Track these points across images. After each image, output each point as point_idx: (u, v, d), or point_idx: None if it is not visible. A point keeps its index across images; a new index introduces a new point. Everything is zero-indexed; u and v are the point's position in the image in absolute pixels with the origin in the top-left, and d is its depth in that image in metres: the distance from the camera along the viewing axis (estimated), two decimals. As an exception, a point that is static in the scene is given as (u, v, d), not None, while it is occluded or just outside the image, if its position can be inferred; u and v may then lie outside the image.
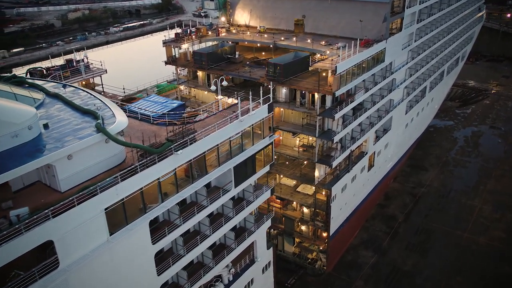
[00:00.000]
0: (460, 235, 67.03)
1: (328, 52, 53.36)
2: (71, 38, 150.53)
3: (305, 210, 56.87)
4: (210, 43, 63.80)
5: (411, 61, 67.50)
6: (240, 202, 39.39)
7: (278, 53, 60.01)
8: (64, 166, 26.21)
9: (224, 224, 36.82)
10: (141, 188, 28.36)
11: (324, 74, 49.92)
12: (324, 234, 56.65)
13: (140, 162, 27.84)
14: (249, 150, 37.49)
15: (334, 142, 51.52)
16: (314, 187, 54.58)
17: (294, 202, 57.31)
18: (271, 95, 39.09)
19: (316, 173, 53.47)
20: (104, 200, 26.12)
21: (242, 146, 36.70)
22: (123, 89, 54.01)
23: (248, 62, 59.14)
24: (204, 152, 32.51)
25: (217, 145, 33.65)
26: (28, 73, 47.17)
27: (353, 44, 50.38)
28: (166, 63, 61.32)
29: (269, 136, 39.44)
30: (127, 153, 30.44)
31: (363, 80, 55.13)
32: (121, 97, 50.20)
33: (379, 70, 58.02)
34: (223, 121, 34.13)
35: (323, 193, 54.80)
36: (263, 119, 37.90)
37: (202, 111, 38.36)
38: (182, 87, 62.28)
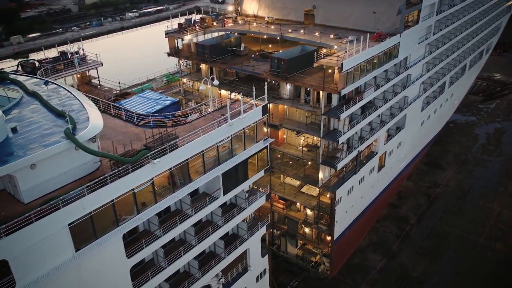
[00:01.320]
0: (476, 240, 63.37)
1: (336, 47, 49.95)
2: (87, 23, 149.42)
3: (309, 212, 54.24)
4: (216, 34, 60.97)
5: (428, 56, 63.34)
6: (232, 209, 37.05)
7: (285, 46, 56.86)
8: (26, 176, 24.26)
9: (212, 233, 34.55)
10: (112, 201, 26.22)
11: (330, 70, 46.70)
12: (328, 238, 54.00)
13: (111, 173, 25.62)
14: (240, 155, 34.98)
15: (340, 143, 48.46)
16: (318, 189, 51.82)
17: (298, 203, 54.71)
18: (266, 96, 36.19)
19: (320, 175, 50.64)
20: (68, 215, 24.11)
21: (232, 151, 34.16)
22: (119, 83, 51.85)
23: (253, 55, 56.22)
24: (186, 160, 30.12)
25: (202, 151, 31.19)
26: (19, 66, 45.45)
27: (364, 38, 46.95)
28: (169, 54, 58.90)
29: (264, 140, 36.77)
30: (103, 160, 28.32)
31: (374, 77, 51.64)
32: (117, 91, 48.16)
33: (392, 66, 54.30)
34: (210, 125, 31.58)
35: (328, 195, 52.02)
36: (256, 121, 35.21)
37: (193, 111, 35.86)
38: (185, 80, 59.87)
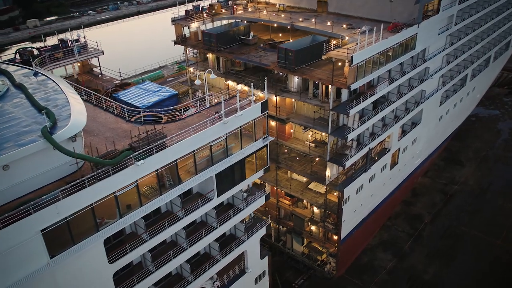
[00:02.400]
0: (492, 243, 60.31)
1: (347, 38, 47.08)
2: (104, 7, 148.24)
3: (316, 210, 52.12)
4: (225, 22, 58.62)
5: (449, 47, 59.76)
6: (228, 209, 35.22)
7: (297, 35, 54.24)
8: (-2, 177, 22.77)
9: (205, 235, 32.81)
10: (91, 205, 24.60)
11: (339, 63, 44.03)
12: (335, 237, 51.89)
13: (89, 176, 23.94)
14: (236, 155, 32.95)
15: (349, 140, 45.97)
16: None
17: (304, 201, 52.63)
18: (265, 91, 33.89)
19: (328, 173, 48.33)
20: (41, 220, 22.58)
21: (227, 151, 32.15)
22: (119, 73, 50.14)
23: (262, 45, 53.77)
24: (175, 161, 28.27)
25: (193, 151, 29.27)
26: (17, 54, 44.12)
27: (379, 29, 44.08)
28: (175, 42, 56.92)
29: (263, 138, 34.62)
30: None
31: (388, 70, 48.72)
32: (117, 81, 46.51)
33: (409, 58, 51.18)
34: (203, 123, 29.57)
35: (335, 194, 49.75)
36: (254, 119, 33.05)
37: (190, 105, 33.86)
38: (191, 69, 57.89)
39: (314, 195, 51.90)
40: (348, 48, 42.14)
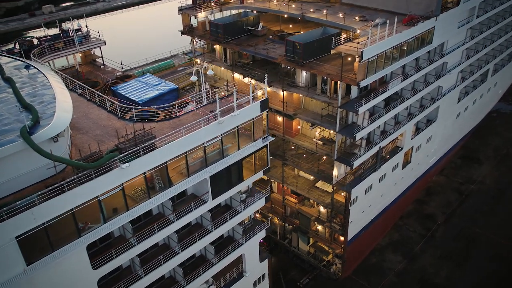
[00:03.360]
0: (508, 246, 57.65)
1: (358, 31, 44.66)
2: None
3: (322, 209, 50.30)
4: (234, 11, 56.53)
5: (470, 41, 56.65)
6: (226, 211, 33.70)
7: (307, 27, 51.95)
8: (-27, 180, 21.60)
9: (199, 239, 31.37)
10: (72, 210, 23.29)
11: (349, 58, 41.75)
12: (342, 238, 50.07)
13: (68, 180, 22.56)
14: (233, 156, 31.26)
15: (357, 139, 43.82)
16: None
17: (311, 199, 50.84)
18: (266, 88, 31.97)
19: (335, 172, 46.35)
20: (15, 227, 21.35)
21: (223, 152, 30.48)
22: (121, 64, 48.74)
23: (270, 36, 51.66)
24: (164, 163, 26.74)
25: (185, 153, 27.69)
26: (16, 43, 43.00)
27: (393, 22, 41.59)
28: (182, 32, 55.17)
29: (263, 138, 32.82)
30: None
31: (402, 66, 46.20)
32: (119, 73, 45.14)
33: (425, 53, 48.49)
34: (196, 123, 27.90)
35: (342, 194, 47.79)
36: (253, 119, 31.23)
37: (182, 104, 32.21)
38: (198, 61, 56.16)
39: (321, 194, 50.06)
40: (358, 43, 39.74)
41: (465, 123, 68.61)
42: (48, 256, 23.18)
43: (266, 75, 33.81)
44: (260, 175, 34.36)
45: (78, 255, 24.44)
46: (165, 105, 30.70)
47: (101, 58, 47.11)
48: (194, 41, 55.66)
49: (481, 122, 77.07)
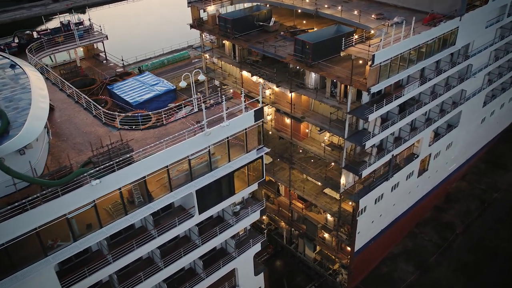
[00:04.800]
0: (531, 263, 54.10)
1: (372, 31, 41.46)
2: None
3: (329, 217, 47.82)
4: (246, 5, 53.91)
5: (499, 41, 52.44)
6: (217, 224, 31.73)
7: (322, 23, 48.99)
8: None
9: (185, 255, 29.55)
10: (35, 229, 21.72)
11: (361, 61, 38.77)
12: (348, 248, 47.57)
13: (30, 198, 20.92)
14: (223, 169, 29.11)
15: (367, 147, 40.98)
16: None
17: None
18: (260, 96, 29.52)
19: (342, 180, 43.72)
20: (-31, 248, 19.94)
21: (211, 164, 28.36)
22: (122, 60, 47.05)
23: (282, 33, 48.90)
24: (142, 178, 24.85)
25: (166, 167, 25.73)
26: (15, 37, 41.79)
27: (411, 21, 38.32)
28: (191, 26, 53.01)
29: (257, 149, 30.52)
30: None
31: (421, 69, 42.88)
32: (120, 69, 43.46)
33: (447, 55, 44.92)
34: (179, 135, 25.84)
35: (350, 203, 45.16)
36: (246, 129, 28.94)
37: (177, 108, 30.15)
38: (208, 56, 53.98)
39: (328, 201, 47.53)
40: (370, 45, 36.67)
41: (491, 128, 64.35)
42: (11, 277, 21.73)
43: (262, 82, 31.28)
44: (254, 187, 32.15)
45: (45, 275, 22.96)
46: (159, 110, 28.56)
47: (104, 53, 45.48)
48: (204, 35, 53.39)
49: (509, 126, 72.29)
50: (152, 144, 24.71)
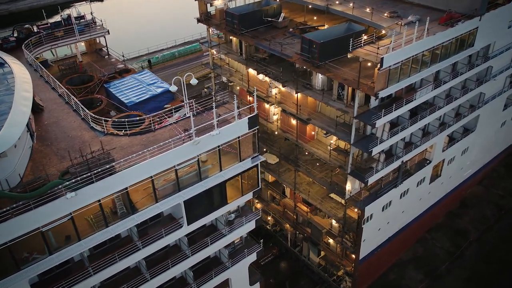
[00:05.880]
0: (548, 276, 51.45)
1: (383, 31, 39.13)
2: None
3: (334, 223, 46.08)
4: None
5: (524, 42, 49.34)
6: (209, 233, 30.40)
7: (334, 19, 46.76)
8: None
9: (173, 266, 28.32)
10: (6, 244, 20.67)
11: (369, 64, 36.61)
12: (353, 256, 45.83)
13: (1, 211, 19.82)
14: (214, 178, 27.63)
15: (374, 153, 38.96)
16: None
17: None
18: (255, 103, 27.81)
19: (348, 186, 41.83)
20: None
21: (201, 174, 26.90)
22: (123, 56, 45.70)
23: (291, 29, 46.87)
24: (123, 190, 23.56)
25: (150, 177, 24.37)
26: (14, 31, 40.86)
27: (425, 22, 36.01)
28: (199, 20, 51.36)
29: (252, 158, 28.91)
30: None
31: (435, 72, 40.47)
32: (121, 66, 42.23)
33: (465, 57, 42.31)
34: (164, 145, 24.40)
35: (356, 210, 43.30)
36: (239, 137, 27.34)
37: (166, 115, 28.67)
38: (214, 51, 52.31)
39: (334, 205, 45.72)
40: (378, 47, 34.45)
41: (511, 132, 61.25)
42: (-21, 292, 20.88)
43: (255, 89, 29.56)
44: (249, 196, 30.62)
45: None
46: (151, 114, 27.22)
47: (106, 48, 44.28)
48: (211, 30, 51.69)
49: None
50: (135, 155, 23.34)
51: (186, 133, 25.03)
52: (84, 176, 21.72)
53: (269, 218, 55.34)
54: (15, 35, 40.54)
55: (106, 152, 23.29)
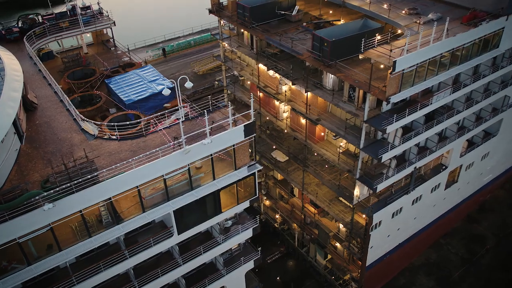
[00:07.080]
0: None
1: (399, 30, 36.71)
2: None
3: (342, 227, 44.49)
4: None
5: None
6: (205, 240, 29.31)
7: (351, 14, 44.42)
8: None
9: (162, 275, 27.38)
10: (-21, 255, 19.99)
11: (382, 66, 34.44)
12: (360, 262, 44.26)
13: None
14: (206, 187, 26.35)
15: (384, 160, 36.98)
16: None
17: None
18: (252, 109, 26.20)
19: (356, 191, 40.06)
20: None
21: (192, 183, 25.65)
22: (127, 47, 44.46)
23: (305, 24, 44.76)
24: (107, 200, 22.51)
25: (136, 187, 23.24)
26: (19, 21, 40.11)
27: (451, 18, 33.52)
28: (210, 11, 49.69)
29: (249, 166, 27.47)
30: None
31: (455, 75, 37.99)
32: (126, 59, 41.14)
33: (489, 58, 39.59)
34: (150, 154, 23.15)
35: (364, 215, 41.54)
36: (234, 145, 25.90)
37: (166, 116, 27.46)
38: (226, 44, 50.64)
39: (342, 209, 44.04)
40: (391, 50, 32.21)
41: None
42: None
43: (252, 95, 27.94)
44: (245, 205, 29.27)
45: (-3, 299, 21.39)
46: (147, 118, 26.04)
47: (112, 39, 43.20)
48: (222, 22, 49.99)
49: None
50: (119, 164, 22.20)
51: (176, 142, 23.71)
52: (64, 186, 20.72)
53: (277, 216, 54.11)
54: (20, 25, 39.75)
55: (90, 161, 22.21)
